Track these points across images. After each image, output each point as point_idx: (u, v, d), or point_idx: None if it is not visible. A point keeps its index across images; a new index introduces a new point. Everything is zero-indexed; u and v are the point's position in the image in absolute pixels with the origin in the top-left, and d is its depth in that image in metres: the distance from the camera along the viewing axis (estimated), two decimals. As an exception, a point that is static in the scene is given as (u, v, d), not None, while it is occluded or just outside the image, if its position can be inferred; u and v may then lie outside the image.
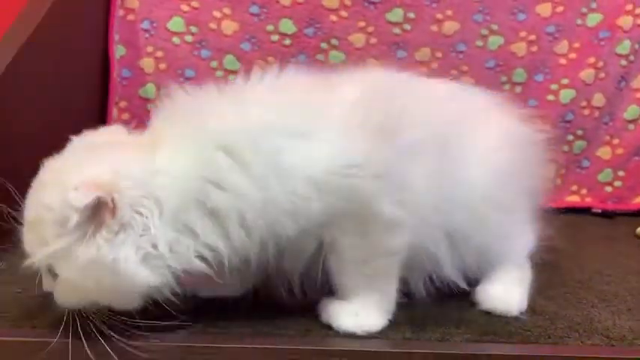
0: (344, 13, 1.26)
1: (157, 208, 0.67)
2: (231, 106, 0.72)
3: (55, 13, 1.04)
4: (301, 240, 0.71)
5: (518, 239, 0.86)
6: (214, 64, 1.25)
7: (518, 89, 1.29)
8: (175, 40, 1.24)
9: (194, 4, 1.24)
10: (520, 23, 1.28)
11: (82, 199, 0.63)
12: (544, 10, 1.28)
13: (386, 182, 0.71)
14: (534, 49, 1.28)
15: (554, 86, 1.29)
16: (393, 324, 0.74)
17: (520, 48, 1.28)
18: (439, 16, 1.27)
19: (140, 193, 0.66)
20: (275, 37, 1.26)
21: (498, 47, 1.28)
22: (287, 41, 1.26)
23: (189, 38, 1.24)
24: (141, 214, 0.66)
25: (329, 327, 0.72)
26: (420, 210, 0.74)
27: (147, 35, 1.24)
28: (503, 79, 1.28)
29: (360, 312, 0.73)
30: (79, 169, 0.67)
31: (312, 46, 1.26)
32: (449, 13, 1.28)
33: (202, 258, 0.68)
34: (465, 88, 0.93)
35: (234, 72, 1.24)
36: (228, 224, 0.68)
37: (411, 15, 1.27)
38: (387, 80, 0.82)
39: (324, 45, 1.26)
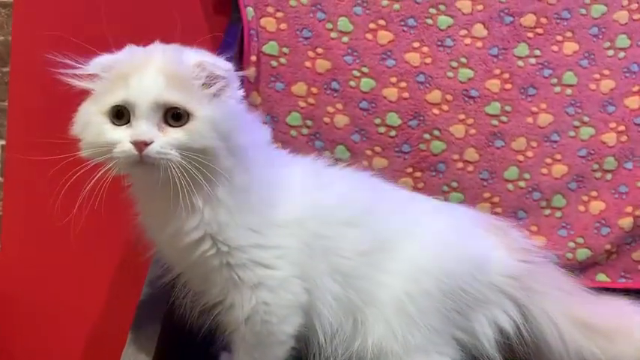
0: (445, 107, 1.38)
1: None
2: None
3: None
4: None
5: None
6: (327, 154, 1.37)
7: (608, 176, 1.38)
8: (293, 132, 1.37)
9: (310, 100, 1.37)
10: (610, 115, 1.38)
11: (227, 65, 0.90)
12: (632, 102, 1.38)
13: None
14: (624, 139, 1.38)
15: (643, 173, 1.38)
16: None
17: (610, 138, 1.38)
18: (534, 109, 1.38)
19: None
20: (382, 129, 1.38)
21: (589, 137, 1.38)
22: (392, 132, 1.38)
23: (305, 131, 1.37)
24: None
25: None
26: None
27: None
28: (595, 166, 1.38)
29: None
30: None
31: (416, 137, 1.38)
32: (543, 106, 1.38)
33: None
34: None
35: (344, 160, 1.35)
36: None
37: (508, 108, 1.38)
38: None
39: (426, 136, 1.38)
